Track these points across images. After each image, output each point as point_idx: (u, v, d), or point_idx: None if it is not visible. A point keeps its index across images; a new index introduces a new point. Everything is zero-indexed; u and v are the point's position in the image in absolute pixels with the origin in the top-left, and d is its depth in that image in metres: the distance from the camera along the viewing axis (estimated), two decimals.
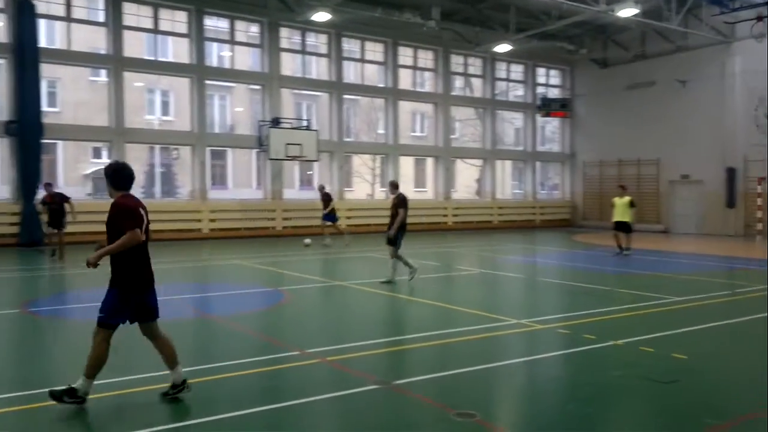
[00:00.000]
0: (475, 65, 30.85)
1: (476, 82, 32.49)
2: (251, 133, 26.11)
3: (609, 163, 30.65)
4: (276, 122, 23.90)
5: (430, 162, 31.53)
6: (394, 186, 12.46)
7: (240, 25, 25.21)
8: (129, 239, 5.12)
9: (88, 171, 35.68)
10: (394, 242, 11.91)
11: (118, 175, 5.37)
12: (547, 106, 31.48)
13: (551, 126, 37.27)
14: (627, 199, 17.58)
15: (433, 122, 31.01)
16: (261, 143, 23.83)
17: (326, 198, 20.12)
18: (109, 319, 5.26)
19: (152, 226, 19.51)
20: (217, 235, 22.66)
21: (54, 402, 5.11)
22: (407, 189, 34.00)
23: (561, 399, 5.71)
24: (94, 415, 5.19)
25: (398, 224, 11.79)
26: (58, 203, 15.74)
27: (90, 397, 5.27)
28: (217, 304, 10.79)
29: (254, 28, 25.52)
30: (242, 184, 38.06)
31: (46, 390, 5.25)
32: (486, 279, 13.83)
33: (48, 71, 22.35)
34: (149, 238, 5.51)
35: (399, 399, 5.61)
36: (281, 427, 5.01)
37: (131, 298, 5.28)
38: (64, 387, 5.18)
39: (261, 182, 27.14)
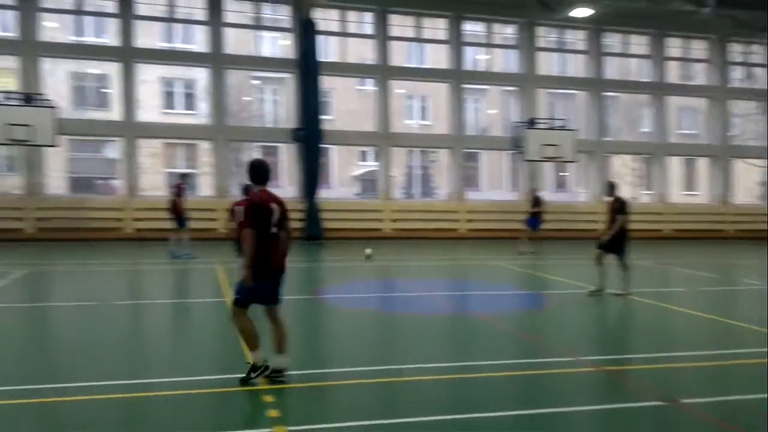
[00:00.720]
0: (760, 53, 27.25)
1: (760, 73, 28.68)
2: (504, 134, 26.21)
3: None
4: (531, 123, 23.62)
5: (702, 162, 28.66)
6: (611, 188, 11.09)
7: (496, 27, 25.42)
8: (246, 237, 5.57)
9: (356, 173, 38.86)
10: (619, 251, 10.85)
11: (256, 172, 5.82)
12: None
13: None
14: None
15: (706, 118, 28.10)
16: (516, 145, 23.73)
17: (536, 202, 18.73)
18: (243, 300, 5.72)
19: (412, 225, 20.31)
20: (473, 235, 23.09)
21: (243, 384, 5.59)
22: (674, 192, 31.46)
23: None
24: (369, 400, 5.61)
25: (615, 230, 10.70)
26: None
27: (372, 381, 5.68)
28: (479, 302, 10.92)
29: (509, 30, 25.53)
30: (494, 185, 38.38)
31: (321, 371, 5.80)
32: None
33: (323, 82, 24.73)
34: (286, 230, 5.83)
35: (690, 419, 5.14)
36: None
37: (263, 283, 5.65)
38: (245, 373, 5.64)
39: (515, 184, 27.08)
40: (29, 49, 20.45)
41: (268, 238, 5.68)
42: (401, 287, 12.59)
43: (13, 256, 15.67)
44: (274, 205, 5.73)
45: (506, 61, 32.49)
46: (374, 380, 6.00)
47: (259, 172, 5.84)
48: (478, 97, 38.27)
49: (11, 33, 21.38)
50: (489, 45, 26.88)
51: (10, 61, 21.12)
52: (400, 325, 8.94)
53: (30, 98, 18.94)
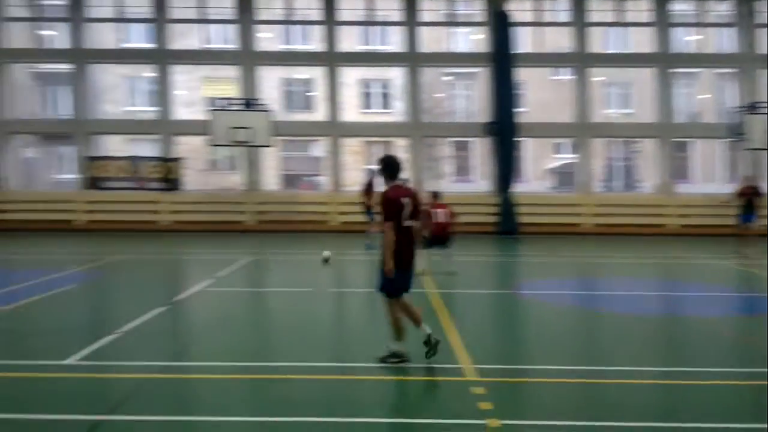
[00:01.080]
0: None
1: None
2: (719, 121, 23.85)
3: None
4: (753, 107, 21.18)
5: None
6: None
7: (708, 5, 23.20)
8: (385, 230, 5.90)
9: (551, 165, 37.72)
10: None
11: (388, 167, 6.11)
12: None
13: None
14: None
15: None
16: (735, 132, 21.43)
17: (747, 192, 16.12)
18: (390, 292, 6.08)
19: (615, 221, 19.43)
20: (685, 231, 21.25)
21: (384, 364, 6.01)
22: None
23: None
24: (578, 400, 5.43)
25: None
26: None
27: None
28: (696, 303, 10.09)
29: (724, 6, 23.14)
30: (708, 177, 35.08)
31: (528, 367, 5.67)
32: None
33: (517, 74, 24.32)
34: (417, 222, 6.08)
35: None
36: None
37: (396, 273, 5.93)
38: (386, 353, 6.08)
39: (733, 175, 24.53)
40: (248, 58, 22.62)
41: (401, 231, 5.94)
42: (606, 285, 12.02)
43: (238, 246, 17.45)
44: (405, 200, 5.98)
45: (720, 41, 29.53)
46: (583, 380, 5.84)
47: (390, 167, 6.13)
48: (688, 81, 35.14)
49: (233, 45, 23.82)
50: (700, 24, 24.62)
51: (232, 71, 23.54)
52: (609, 325, 8.53)
53: (249, 103, 20.92)
